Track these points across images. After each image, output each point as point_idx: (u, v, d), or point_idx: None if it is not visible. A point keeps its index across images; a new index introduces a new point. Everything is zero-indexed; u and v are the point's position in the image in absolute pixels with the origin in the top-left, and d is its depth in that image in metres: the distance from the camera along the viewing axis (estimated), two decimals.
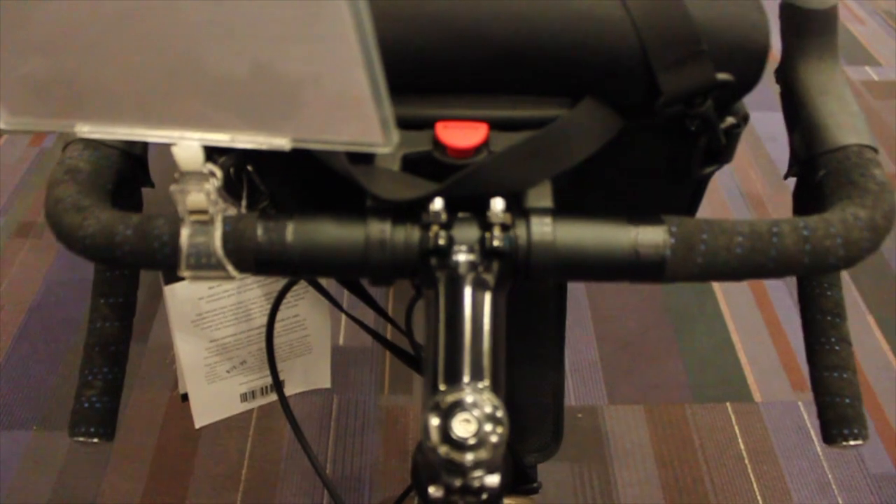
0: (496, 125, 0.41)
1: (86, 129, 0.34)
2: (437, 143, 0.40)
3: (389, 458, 1.36)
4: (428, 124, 0.41)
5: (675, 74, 0.40)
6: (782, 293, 1.66)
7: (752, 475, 1.35)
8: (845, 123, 0.43)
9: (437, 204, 0.37)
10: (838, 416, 0.45)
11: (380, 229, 0.37)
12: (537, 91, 0.41)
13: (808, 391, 1.43)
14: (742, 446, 1.39)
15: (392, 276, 0.38)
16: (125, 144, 0.43)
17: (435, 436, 0.33)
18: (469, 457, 0.33)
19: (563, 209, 0.38)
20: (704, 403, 1.44)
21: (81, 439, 0.46)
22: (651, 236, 0.37)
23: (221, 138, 0.33)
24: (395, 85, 0.40)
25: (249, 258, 0.37)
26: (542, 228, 0.37)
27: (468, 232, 0.38)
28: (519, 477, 0.75)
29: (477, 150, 0.39)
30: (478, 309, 0.37)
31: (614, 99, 0.42)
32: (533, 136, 0.39)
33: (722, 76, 0.41)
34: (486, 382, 0.35)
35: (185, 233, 0.36)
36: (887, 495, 1.34)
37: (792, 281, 1.59)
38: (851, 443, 0.45)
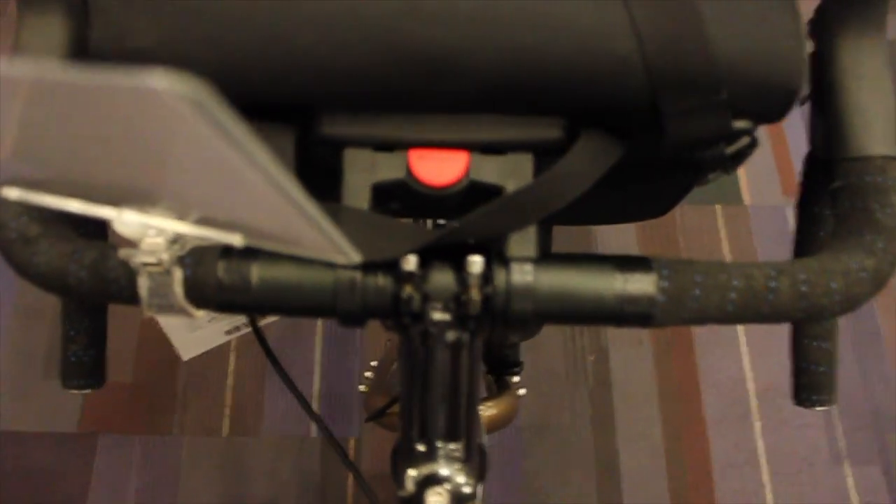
0: (478, 148, 0.37)
1: (13, 194, 0.32)
2: (411, 174, 0.37)
3: None
4: (402, 145, 0.37)
5: (687, 122, 0.36)
6: None
7: None
8: (874, 125, 0.39)
9: (411, 263, 0.35)
10: (811, 383, 0.47)
11: (350, 276, 0.35)
12: (525, 112, 0.38)
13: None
14: (725, 249, 1.43)
15: (362, 320, 0.37)
16: None
17: (410, 487, 0.35)
18: None
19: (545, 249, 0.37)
20: (694, 204, 1.46)
21: (74, 391, 0.48)
22: (639, 286, 0.35)
23: (166, 224, 0.31)
24: (367, 105, 0.37)
25: (212, 301, 0.36)
26: (524, 278, 0.35)
27: (444, 286, 0.36)
28: (500, 364, 0.78)
29: (455, 182, 0.37)
30: (452, 367, 0.37)
31: (614, 126, 0.38)
32: (524, 189, 0.36)
33: (739, 124, 0.37)
34: (459, 445, 0.36)
35: (142, 282, 0.35)
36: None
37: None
38: (818, 408, 0.48)
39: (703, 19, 0.35)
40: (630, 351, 1.34)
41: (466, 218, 0.36)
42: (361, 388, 0.88)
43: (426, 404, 0.36)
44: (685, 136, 0.37)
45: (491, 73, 0.35)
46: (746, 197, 1.47)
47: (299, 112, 0.37)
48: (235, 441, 1.25)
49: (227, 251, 0.36)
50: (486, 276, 0.36)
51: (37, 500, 1.20)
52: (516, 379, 0.99)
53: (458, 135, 0.37)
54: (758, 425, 1.29)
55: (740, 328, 1.36)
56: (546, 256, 0.36)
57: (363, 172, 0.37)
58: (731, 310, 0.35)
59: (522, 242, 0.36)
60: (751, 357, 1.34)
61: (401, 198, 0.38)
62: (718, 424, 1.29)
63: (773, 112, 0.38)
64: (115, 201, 0.31)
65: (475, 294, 0.35)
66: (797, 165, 1.55)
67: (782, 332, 1.46)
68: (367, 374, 0.91)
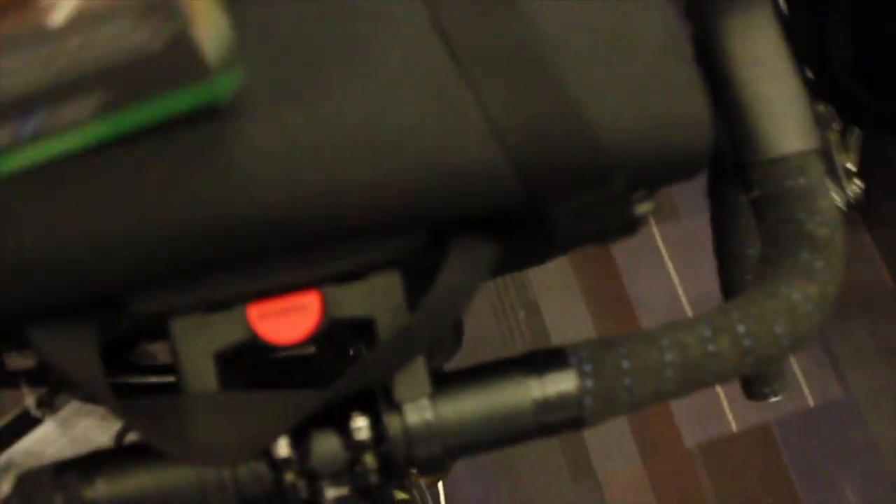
0: (331, 280, 0.31)
1: None
2: (256, 334, 0.30)
3: None
4: (239, 299, 0.31)
5: (577, 220, 0.31)
6: None
7: None
8: (783, 118, 0.33)
9: (284, 448, 0.29)
10: (759, 376, 0.43)
11: (216, 472, 0.29)
12: (379, 233, 0.31)
13: None
14: None
15: None
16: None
17: None
18: None
19: (441, 378, 0.31)
20: None
21: None
22: (559, 388, 0.31)
23: None
24: (185, 273, 0.29)
25: None
26: (422, 417, 0.30)
27: (330, 458, 0.30)
28: None
29: (311, 333, 0.31)
30: None
31: (489, 226, 0.32)
32: (401, 330, 0.30)
33: (643, 208, 0.32)
34: None
35: None
36: None
37: None
38: (772, 399, 0.45)
39: (577, 100, 0.29)
40: (562, 299, 1.31)
41: (340, 380, 0.30)
42: None
43: None
44: (577, 234, 0.31)
45: (328, 213, 0.29)
46: None
47: (101, 300, 0.30)
48: None
49: (61, 468, 0.29)
50: (378, 432, 0.30)
51: None
52: None
53: (302, 274, 0.31)
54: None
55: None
56: (442, 380, 0.31)
57: (199, 342, 0.30)
58: (670, 389, 0.32)
59: (412, 379, 0.31)
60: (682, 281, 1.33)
61: (254, 355, 0.33)
62: None
63: (682, 175, 0.32)
64: None
65: (370, 461, 0.30)
66: None
67: None
68: None
